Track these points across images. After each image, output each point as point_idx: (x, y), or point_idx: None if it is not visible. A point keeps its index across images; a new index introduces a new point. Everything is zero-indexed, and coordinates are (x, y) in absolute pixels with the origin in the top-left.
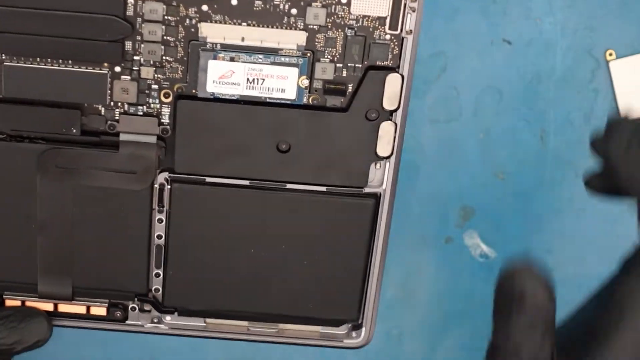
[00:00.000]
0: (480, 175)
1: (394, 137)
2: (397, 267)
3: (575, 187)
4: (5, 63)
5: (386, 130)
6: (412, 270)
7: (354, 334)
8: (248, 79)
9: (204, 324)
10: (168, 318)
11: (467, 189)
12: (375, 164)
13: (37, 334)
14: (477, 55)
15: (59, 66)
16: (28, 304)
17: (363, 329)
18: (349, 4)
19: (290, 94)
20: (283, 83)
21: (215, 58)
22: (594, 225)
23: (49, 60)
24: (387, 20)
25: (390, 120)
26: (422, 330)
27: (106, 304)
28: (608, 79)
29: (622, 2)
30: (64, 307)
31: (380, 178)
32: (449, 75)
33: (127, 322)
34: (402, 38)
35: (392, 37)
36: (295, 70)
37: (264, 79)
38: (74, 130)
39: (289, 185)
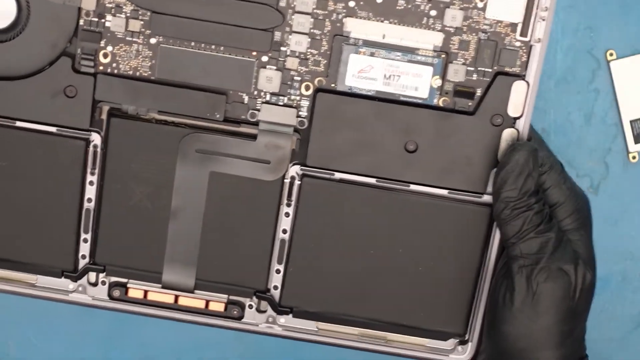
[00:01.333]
0: None
1: None
2: None
3: None
4: (161, 45)
5: (508, 137)
6: None
7: (459, 349)
8: (385, 75)
9: (316, 329)
10: (282, 320)
11: None
12: (494, 171)
13: None
14: None
15: (210, 51)
16: (150, 296)
17: (469, 345)
18: (484, 8)
19: (423, 93)
20: (417, 81)
21: (356, 52)
22: (594, 225)
23: (201, 44)
24: (519, 27)
25: (513, 127)
26: None
27: (225, 300)
28: (608, 79)
29: (623, 3)
30: (184, 301)
31: None
32: None
33: (242, 320)
34: (531, 46)
35: (522, 44)
36: (430, 70)
37: (399, 76)
38: (218, 116)
39: (412, 187)
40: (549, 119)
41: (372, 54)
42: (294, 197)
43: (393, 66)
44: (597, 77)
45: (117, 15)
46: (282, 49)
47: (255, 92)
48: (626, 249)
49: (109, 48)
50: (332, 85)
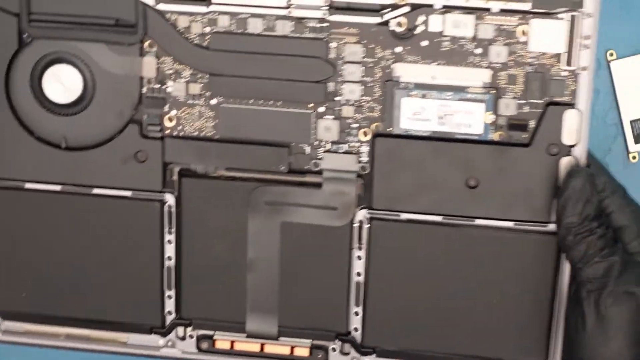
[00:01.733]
0: None
1: None
2: None
3: None
4: (222, 105)
5: (566, 165)
6: None
7: None
8: (438, 115)
9: None
10: None
11: None
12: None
13: None
14: None
15: (268, 107)
16: (237, 345)
17: None
18: (527, 42)
19: (477, 129)
20: (470, 118)
21: (408, 96)
22: None
23: (259, 101)
24: (564, 57)
25: (570, 155)
26: None
27: (309, 345)
28: (609, 79)
29: (623, 3)
30: (269, 348)
31: None
32: None
33: None
34: (577, 74)
35: (569, 73)
36: (482, 106)
37: (452, 115)
38: (282, 167)
39: (477, 221)
40: None
41: (423, 96)
42: (364, 240)
43: (445, 106)
44: (597, 77)
45: (177, 80)
46: (337, 98)
47: (316, 142)
48: None
49: (173, 112)
50: (389, 129)
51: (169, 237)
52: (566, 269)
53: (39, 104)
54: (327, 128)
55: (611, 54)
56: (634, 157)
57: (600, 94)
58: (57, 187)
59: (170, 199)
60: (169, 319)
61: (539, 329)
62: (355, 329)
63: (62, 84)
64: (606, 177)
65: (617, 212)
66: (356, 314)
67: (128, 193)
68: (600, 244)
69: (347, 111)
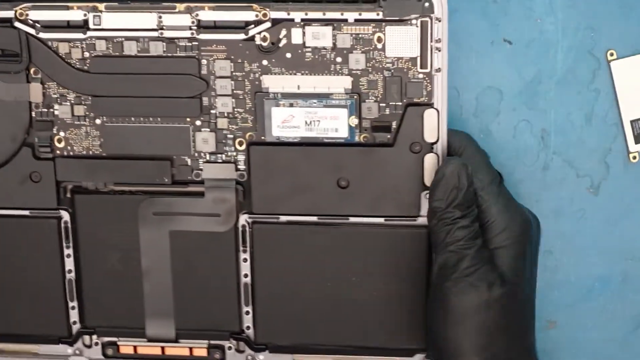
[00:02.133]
0: None
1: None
2: None
3: (575, 187)
4: (106, 124)
5: (430, 162)
6: None
7: None
8: (306, 122)
9: None
10: (261, 357)
11: None
12: (425, 194)
13: None
14: (477, 56)
15: (149, 123)
16: (140, 349)
17: None
18: (383, 48)
19: (343, 133)
20: (336, 123)
21: (277, 105)
22: (594, 225)
23: (140, 119)
24: (418, 60)
25: (432, 152)
26: None
27: (206, 345)
28: (609, 79)
29: (623, 2)
30: (170, 350)
31: None
32: (449, 76)
33: None
34: (433, 75)
35: (425, 75)
36: (345, 111)
37: (319, 121)
38: (166, 180)
39: (351, 219)
40: (549, 119)
41: (291, 105)
42: (248, 244)
43: (312, 112)
44: (597, 77)
45: (63, 103)
46: (212, 111)
47: (196, 154)
48: (627, 249)
49: (62, 133)
50: (262, 137)
51: (68, 251)
52: None
53: None
54: (204, 140)
55: (611, 54)
56: (634, 157)
57: (600, 93)
58: None
59: (65, 215)
60: (75, 328)
61: (418, 317)
62: (248, 327)
63: None
64: (485, 169)
65: (489, 205)
66: (247, 313)
67: (26, 212)
68: (459, 234)
69: (222, 123)
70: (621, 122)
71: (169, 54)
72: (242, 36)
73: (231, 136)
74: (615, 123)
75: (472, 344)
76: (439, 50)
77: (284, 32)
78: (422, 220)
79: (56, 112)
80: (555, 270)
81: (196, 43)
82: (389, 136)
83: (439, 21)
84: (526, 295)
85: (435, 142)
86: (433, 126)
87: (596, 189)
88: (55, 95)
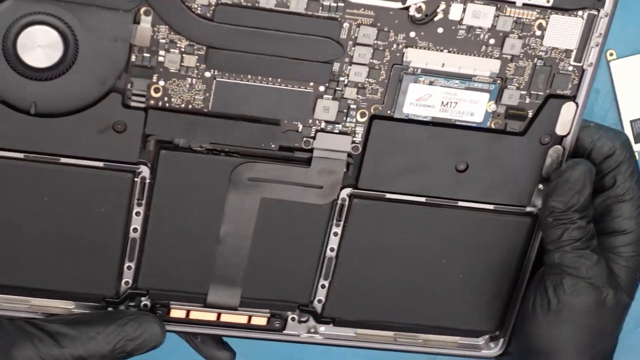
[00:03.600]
0: None
1: (561, 161)
2: None
3: None
4: (217, 79)
5: (554, 154)
6: None
7: (491, 344)
8: (442, 102)
9: (354, 335)
10: (322, 328)
11: None
12: (538, 186)
13: (153, 340)
14: None
15: (265, 84)
16: (192, 314)
17: (501, 340)
18: (542, 36)
19: (478, 118)
20: (473, 107)
21: (416, 82)
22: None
23: (258, 77)
24: (574, 53)
25: (560, 145)
26: None
27: (267, 314)
28: (609, 79)
29: (623, 2)
30: (226, 317)
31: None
32: None
33: (283, 332)
34: (583, 70)
35: (575, 69)
36: (486, 96)
37: (457, 103)
38: (273, 146)
39: (460, 203)
40: None
41: (431, 83)
42: (343, 217)
43: (451, 93)
44: (597, 77)
45: (171, 50)
46: (341, 79)
47: (311, 121)
48: None
49: (161, 83)
50: (388, 112)
51: (138, 209)
52: (534, 249)
53: (9, 65)
54: (325, 108)
55: (611, 54)
56: None
57: (600, 93)
58: (21, 155)
59: (145, 171)
60: (124, 288)
61: (498, 301)
62: (319, 301)
63: (40, 46)
64: (635, 182)
65: (625, 219)
66: (322, 286)
67: (100, 164)
68: (576, 234)
69: (350, 93)
70: (621, 121)
71: (309, 12)
72: (397, 5)
73: (354, 107)
74: (614, 123)
75: (576, 343)
76: (597, 45)
77: (442, 5)
78: (530, 209)
79: (160, 59)
80: None
81: (342, 4)
82: (521, 124)
83: (606, 16)
84: (630, 304)
85: (566, 136)
86: (568, 119)
87: None
88: (164, 41)
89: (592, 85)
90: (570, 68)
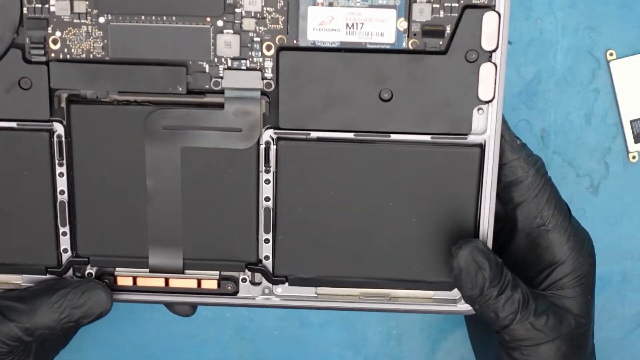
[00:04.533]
0: None
1: (495, 79)
2: None
3: (575, 186)
4: (111, 23)
5: (487, 72)
6: None
7: None
8: (347, 24)
9: (315, 295)
10: (279, 290)
11: None
12: (478, 109)
13: (99, 306)
14: None
15: (162, 23)
16: (140, 282)
17: None
18: None
19: (390, 38)
20: (382, 26)
21: (314, 4)
22: (593, 224)
23: (152, 17)
24: None
25: (490, 61)
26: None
27: (217, 277)
28: (608, 79)
29: (623, 2)
30: (175, 282)
31: (483, 125)
32: None
33: (238, 295)
34: None
35: None
36: (393, 12)
37: (362, 23)
38: (180, 89)
39: (393, 136)
40: (549, 119)
41: (330, 4)
42: (272, 163)
43: (354, 14)
44: (597, 77)
45: None
46: (237, 10)
47: (216, 59)
48: (626, 249)
49: (58, 33)
50: (295, 41)
51: (60, 169)
52: (489, 181)
53: None
54: (227, 43)
55: (611, 54)
56: (633, 157)
57: (600, 93)
58: None
59: (59, 128)
60: (65, 257)
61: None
62: (267, 258)
63: None
64: (553, 205)
65: (556, 246)
66: (266, 241)
67: (13, 124)
68: (510, 308)
69: (249, 24)
70: (620, 121)
71: None
72: None
73: (258, 39)
74: (614, 123)
75: None
76: None
77: None
78: (473, 138)
79: (52, 9)
80: None
81: None
82: (441, 42)
83: None
84: (591, 320)
85: (494, 50)
86: (493, 31)
87: (596, 189)
88: None
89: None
90: None
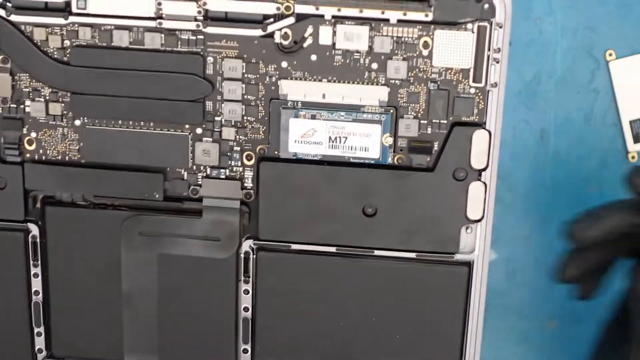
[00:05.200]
0: None
1: (485, 199)
2: None
3: (575, 187)
4: (87, 126)
5: (476, 191)
6: None
7: None
8: (330, 138)
9: None
10: None
11: None
12: (466, 228)
13: None
14: None
15: (139, 129)
16: None
17: None
18: (430, 56)
19: (374, 153)
20: (366, 141)
21: (296, 116)
22: None
23: (130, 122)
24: (471, 73)
25: (479, 180)
26: None
27: None
28: (608, 79)
29: (622, 3)
30: None
31: (472, 243)
32: None
33: None
34: (487, 91)
35: (477, 90)
36: (378, 128)
37: (346, 137)
38: (157, 195)
39: (377, 252)
40: (549, 119)
41: (313, 117)
42: (251, 273)
43: (337, 127)
44: (596, 77)
45: (36, 99)
46: (217, 118)
47: (194, 167)
48: None
49: (33, 134)
50: (275, 152)
51: (35, 270)
52: (476, 301)
53: None
54: (205, 151)
55: (610, 54)
56: (632, 157)
57: (600, 94)
58: None
59: (34, 229)
60: (40, 357)
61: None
62: None
63: None
64: None
65: None
66: (245, 351)
67: None
68: None
69: (228, 133)
70: (620, 122)
71: (168, 48)
72: (258, 32)
73: (238, 149)
74: (614, 123)
75: None
76: (497, 62)
77: (310, 29)
78: (461, 257)
79: (27, 109)
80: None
81: (202, 37)
82: (428, 159)
83: (500, 27)
84: None
85: (484, 169)
86: (482, 150)
87: (595, 189)
88: (27, 90)
89: (502, 109)
90: (472, 90)
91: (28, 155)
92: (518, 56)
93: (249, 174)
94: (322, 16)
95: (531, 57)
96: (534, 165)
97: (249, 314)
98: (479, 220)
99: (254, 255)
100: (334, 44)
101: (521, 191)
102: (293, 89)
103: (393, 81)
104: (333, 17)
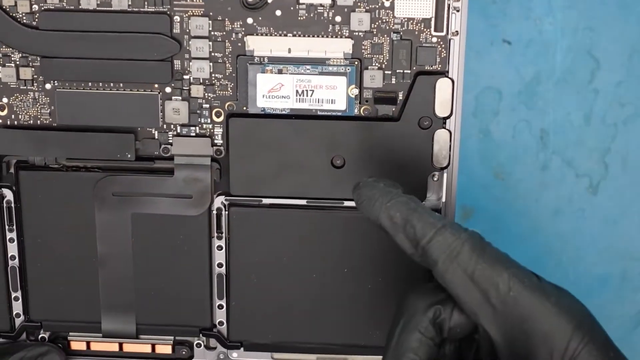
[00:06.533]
0: (480, 175)
1: (450, 146)
2: None
3: (574, 186)
4: (57, 90)
5: (441, 138)
6: None
7: None
8: (297, 91)
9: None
10: (234, 355)
11: (467, 188)
12: (433, 176)
13: None
14: (477, 56)
15: (110, 90)
16: (93, 346)
17: None
18: (392, 7)
19: (341, 105)
20: (333, 93)
21: (263, 71)
22: (593, 225)
23: (100, 84)
24: (432, 22)
25: (445, 127)
26: None
27: (171, 342)
28: (608, 79)
29: (622, 3)
30: (129, 347)
31: (438, 191)
32: None
33: None
34: (449, 40)
35: (439, 40)
36: (344, 80)
37: (313, 90)
38: (129, 155)
39: (346, 203)
40: (549, 119)
41: (280, 71)
42: (224, 229)
43: (304, 81)
44: (596, 77)
45: (7, 64)
46: (185, 77)
47: (165, 126)
48: (626, 249)
49: (5, 100)
50: (244, 108)
51: (10, 235)
52: None
53: None
54: (175, 110)
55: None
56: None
57: (600, 94)
58: None
59: (8, 194)
60: (18, 322)
61: None
62: (220, 323)
63: None
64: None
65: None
66: (220, 307)
67: None
68: None
69: (197, 90)
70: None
71: (135, 9)
72: None
73: (207, 106)
74: (614, 123)
75: None
76: (458, 11)
77: None
78: (429, 204)
79: None
80: (554, 270)
81: None
82: (394, 109)
83: None
84: None
85: (448, 117)
86: (446, 98)
87: (595, 189)
88: None
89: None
90: (434, 40)
91: (0, 120)
92: (518, 56)
93: (218, 130)
94: None
95: (531, 57)
96: (533, 165)
97: (222, 270)
98: (445, 168)
99: (226, 212)
100: None
101: (521, 191)
102: (259, 45)
103: (357, 33)
104: None
